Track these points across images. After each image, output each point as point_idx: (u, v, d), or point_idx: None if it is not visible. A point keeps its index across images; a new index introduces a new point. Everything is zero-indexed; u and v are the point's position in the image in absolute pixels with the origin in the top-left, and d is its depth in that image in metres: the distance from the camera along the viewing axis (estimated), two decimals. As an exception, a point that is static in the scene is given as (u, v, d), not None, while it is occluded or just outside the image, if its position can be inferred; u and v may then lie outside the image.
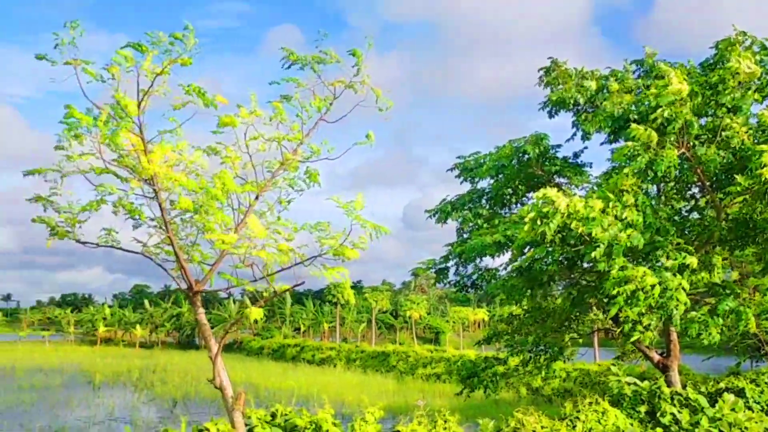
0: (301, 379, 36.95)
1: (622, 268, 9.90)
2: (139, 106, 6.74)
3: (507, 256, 14.42)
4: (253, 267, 8.27)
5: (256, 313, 7.13)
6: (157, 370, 44.05)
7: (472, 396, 18.41)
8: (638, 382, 12.35)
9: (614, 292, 9.92)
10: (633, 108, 12.98)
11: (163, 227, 7.82)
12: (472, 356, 32.66)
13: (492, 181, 16.24)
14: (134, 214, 7.55)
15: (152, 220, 7.72)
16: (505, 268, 15.40)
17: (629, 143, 11.32)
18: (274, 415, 8.57)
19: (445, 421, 10.94)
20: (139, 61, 6.48)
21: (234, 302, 75.92)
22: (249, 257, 8.15)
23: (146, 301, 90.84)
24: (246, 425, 8.28)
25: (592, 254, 9.84)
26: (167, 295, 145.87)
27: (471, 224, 15.98)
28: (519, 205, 16.31)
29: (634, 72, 14.96)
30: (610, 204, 10.20)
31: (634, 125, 11.31)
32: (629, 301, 9.91)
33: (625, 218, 10.14)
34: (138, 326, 78.52)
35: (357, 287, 73.34)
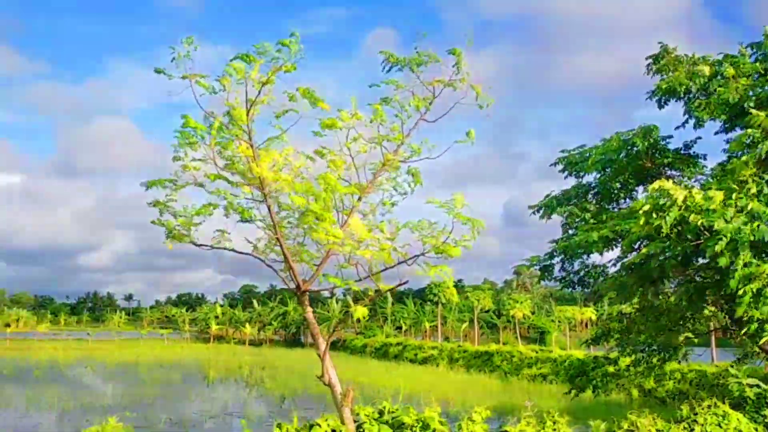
0: (404, 377, 37.19)
1: (746, 264, 9.23)
2: (247, 114, 7.02)
3: (615, 252, 13.88)
4: (357, 266, 8.41)
5: (361, 311, 7.24)
6: (266, 366, 45.74)
7: (580, 397, 17.83)
8: (761, 384, 11.54)
9: (740, 291, 9.26)
10: (750, 94, 12.13)
11: (272, 229, 8.11)
12: (580, 356, 31.67)
13: (598, 176, 15.67)
14: (246, 216, 7.88)
15: (261, 221, 8.01)
16: (614, 265, 14.84)
17: (748, 130, 10.59)
18: (381, 413, 8.67)
19: (554, 422, 10.65)
20: (247, 71, 6.74)
21: (337, 302, 77.68)
22: (353, 257, 8.29)
23: (254, 301, 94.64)
24: (354, 421, 8.43)
25: (715, 248, 9.23)
26: (273, 294, 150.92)
27: (577, 220, 15.48)
28: (628, 199, 15.63)
29: (750, 56, 13.97)
30: (733, 195, 9.55)
31: (754, 111, 10.57)
32: (755, 300, 9.22)
33: (750, 209, 9.45)
34: (247, 324, 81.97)
35: (458, 286, 72.91)
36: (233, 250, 8.28)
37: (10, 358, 52.70)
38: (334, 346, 68.49)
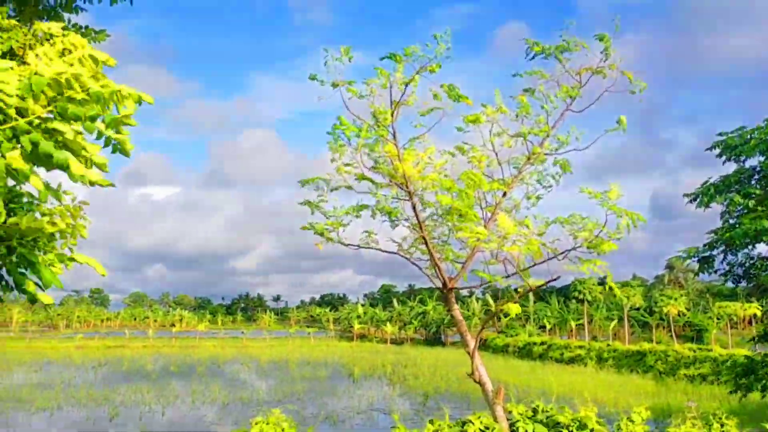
0: (551, 377, 36.17)
1: None
2: (392, 114, 7.16)
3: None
4: (504, 263, 8.28)
5: (514, 308, 7.11)
6: (408, 365, 46.36)
7: (747, 399, 16.44)
8: None
9: None
10: None
11: (417, 228, 8.21)
12: (745, 355, 29.15)
13: (762, 159, 14.35)
14: (394, 215, 8.03)
15: (406, 220, 8.13)
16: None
17: None
18: (535, 411, 8.47)
19: (722, 424, 9.89)
20: (392, 73, 6.87)
21: (477, 300, 77.07)
22: (500, 253, 8.17)
23: (394, 300, 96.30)
24: (507, 419, 8.31)
25: None
26: (412, 294, 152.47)
27: (739, 207, 14.26)
28: (799, 183, 14.18)
29: None
30: None
31: None
32: None
33: None
34: (388, 323, 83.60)
35: (605, 283, 69.55)
36: (380, 249, 8.47)
37: (176, 355, 57.47)
38: (474, 344, 68.09)
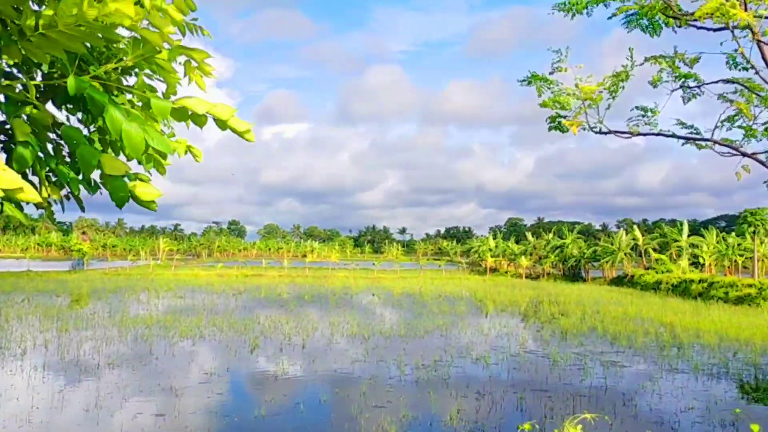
0: (722, 319, 31.81)
1: None
2: None
3: None
4: None
5: None
6: (551, 302, 43.25)
7: None
8: None
9: None
10: None
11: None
12: None
13: None
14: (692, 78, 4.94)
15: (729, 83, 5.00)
16: None
17: None
18: None
19: None
20: None
21: (626, 233, 71.17)
22: None
23: (527, 234, 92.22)
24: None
25: None
26: (542, 227, 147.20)
27: None
28: None
29: None
30: None
31: None
32: None
33: None
34: (522, 257, 79.98)
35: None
36: (675, 136, 5.41)
37: (310, 285, 57.81)
38: (620, 281, 63.26)
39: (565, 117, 5.45)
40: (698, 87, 5.55)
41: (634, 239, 67.56)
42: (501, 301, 43.65)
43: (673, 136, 5.45)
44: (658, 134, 5.40)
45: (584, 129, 5.37)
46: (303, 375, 17.45)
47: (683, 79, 5.44)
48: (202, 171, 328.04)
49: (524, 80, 5.69)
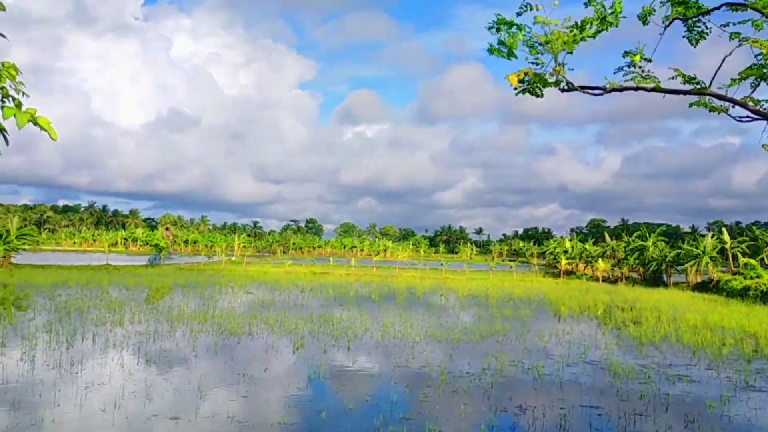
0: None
1: None
2: None
3: None
4: None
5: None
6: (625, 308, 40.66)
7: None
8: None
9: None
10: None
11: None
12: None
13: None
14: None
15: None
16: None
17: None
18: None
19: None
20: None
21: (712, 236, 66.68)
22: None
23: (606, 235, 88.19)
24: None
25: None
26: (626, 229, 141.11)
27: None
28: None
29: None
30: None
31: None
32: None
33: None
34: (600, 260, 76.34)
35: None
36: (665, 90, 4.13)
37: (375, 284, 57.22)
38: (705, 287, 59.18)
39: (543, 74, 4.24)
40: (697, 18, 4.21)
41: (721, 242, 62.98)
42: (570, 306, 41.42)
43: (660, 90, 4.11)
44: (637, 88, 4.10)
45: (539, 85, 4.13)
46: (373, 370, 16.60)
47: (677, 5, 4.11)
48: (285, 171, 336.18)
49: (491, 26, 4.53)
